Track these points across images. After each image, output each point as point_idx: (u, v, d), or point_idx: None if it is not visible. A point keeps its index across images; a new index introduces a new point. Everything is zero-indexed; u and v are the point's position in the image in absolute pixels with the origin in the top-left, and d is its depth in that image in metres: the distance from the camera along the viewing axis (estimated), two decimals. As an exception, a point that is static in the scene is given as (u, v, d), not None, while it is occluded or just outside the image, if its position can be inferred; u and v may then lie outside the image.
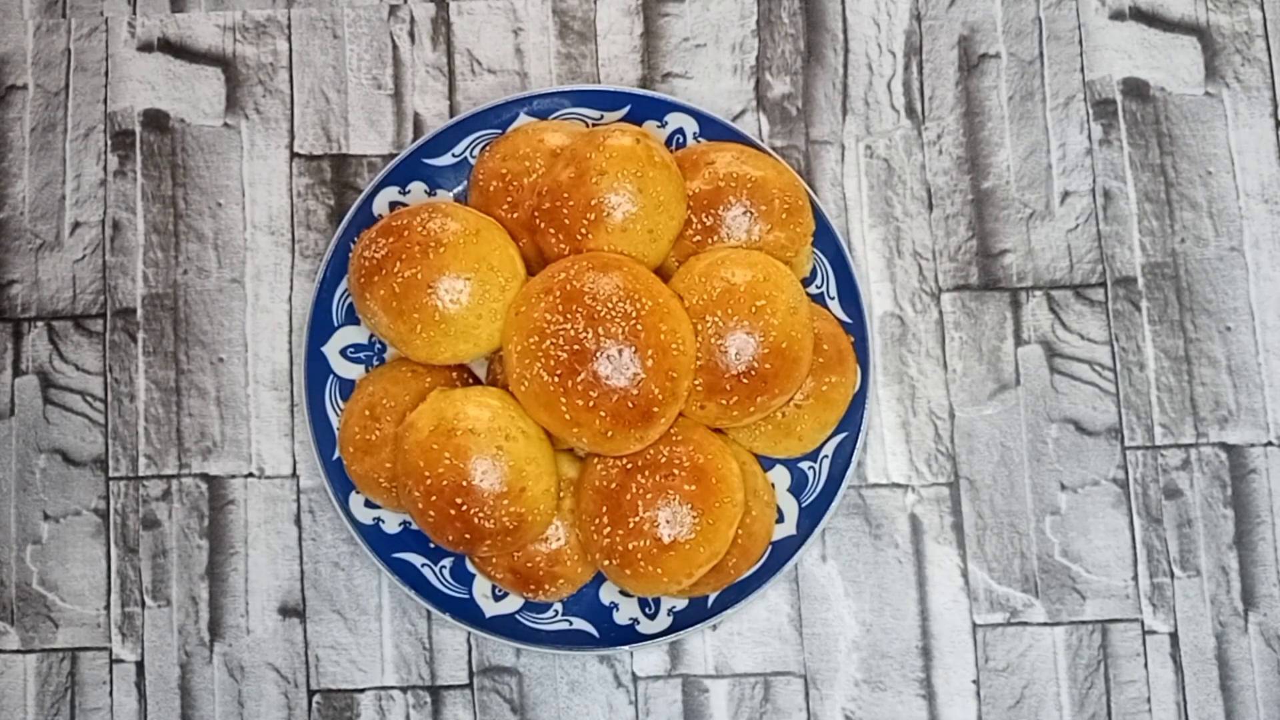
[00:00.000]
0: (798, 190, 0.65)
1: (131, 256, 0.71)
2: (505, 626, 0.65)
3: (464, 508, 0.59)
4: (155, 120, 0.72)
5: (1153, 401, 0.69)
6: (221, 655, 0.67)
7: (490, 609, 0.65)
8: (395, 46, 0.72)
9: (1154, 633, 0.67)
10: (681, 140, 0.68)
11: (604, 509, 0.61)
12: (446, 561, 0.66)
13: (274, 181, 0.71)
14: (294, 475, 0.69)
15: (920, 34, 0.72)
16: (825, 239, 0.66)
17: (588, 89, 0.68)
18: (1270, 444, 0.68)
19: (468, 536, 0.60)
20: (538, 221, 0.63)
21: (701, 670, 0.67)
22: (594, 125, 0.68)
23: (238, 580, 0.68)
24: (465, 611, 0.65)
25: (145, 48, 0.72)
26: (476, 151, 0.68)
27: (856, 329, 0.66)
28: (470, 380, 0.66)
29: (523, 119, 0.68)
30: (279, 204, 0.71)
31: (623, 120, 0.68)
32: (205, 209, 0.71)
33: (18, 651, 0.67)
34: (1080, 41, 0.72)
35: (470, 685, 0.67)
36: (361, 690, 0.67)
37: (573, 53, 0.72)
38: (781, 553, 0.65)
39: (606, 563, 0.61)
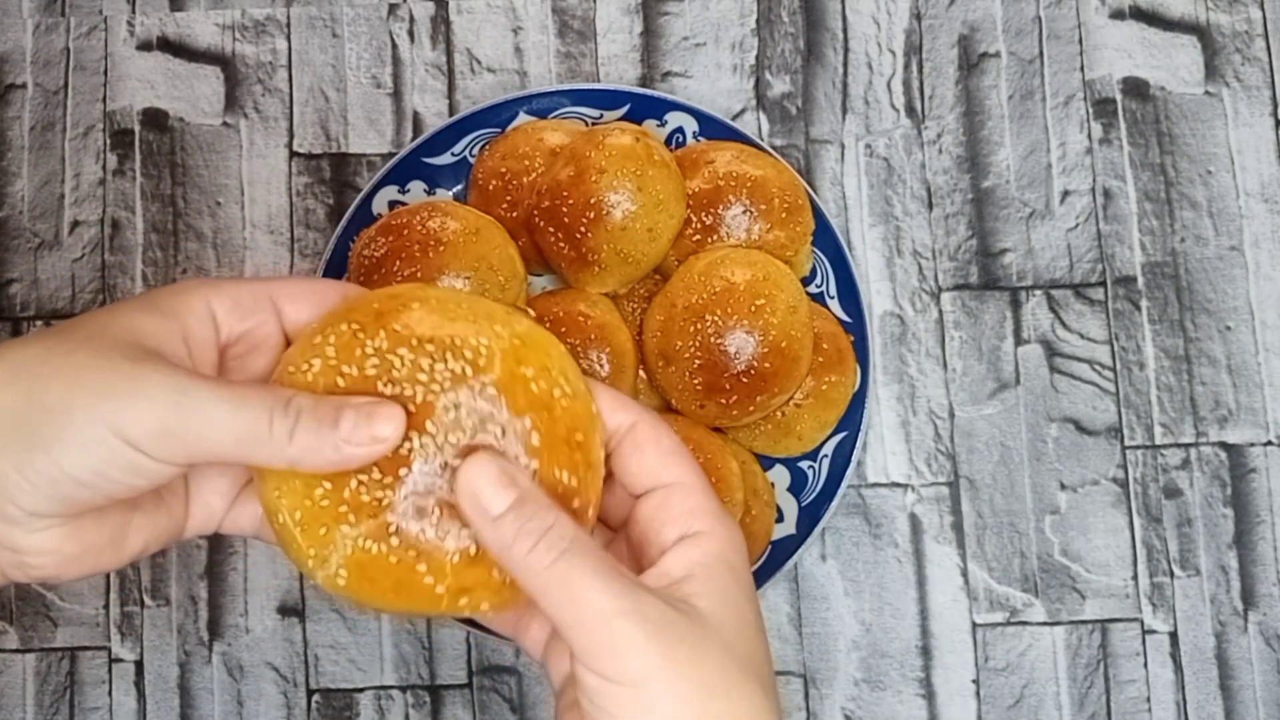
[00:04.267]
0: (797, 189, 0.65)
1: (131, 256, 0.70)
2: (504, 626, 0.65)
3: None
4: (154, 119, 0.72)
5: (1153, 401, 0.69)
6: (221, 655, 0.67)
7: (489, 608, 0.65)
8: (395, 45, 0.72)
9: (1154, 632, 0.67)
10: (681, 139, 0.68)
11: (603, 508, 0.61)
12: (446, 561, 0.65)
13: (273, 180, 0.71)
14: (293, 474, 0.68)
15: (920, 33, 0.72)
16: (825, 238, 0.66)
17: (587, 88, 0.68)
18: (1270, 444, 0.68)
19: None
20: (537, 220, 0.63)
21: (701, 670, 0.67)
22: (593, 124, 0.68)
23: (237, 580, 0.68)
24: (464, 611, 0.65)
25: (144, 47, 0.72)
26: (476, 150, 0.68)
27: (856, 328, 0.66)
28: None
29: (522, 118, 0.68)
30: (278, 203, 0.71)
31: (622, 119, 0.68)
32: (204, 208, 0.71)
33: (17, 651, 0.67)
34: (1080, 41, 0.72)
35: (470, 685, 0.67)
36: (361, 690, 0.67)
37: (572, 51, 0.72)
38: (781, 552, 0.65)
39: (606, 562, 0.61)
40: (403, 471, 0.37)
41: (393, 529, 0.37)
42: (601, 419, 0.40)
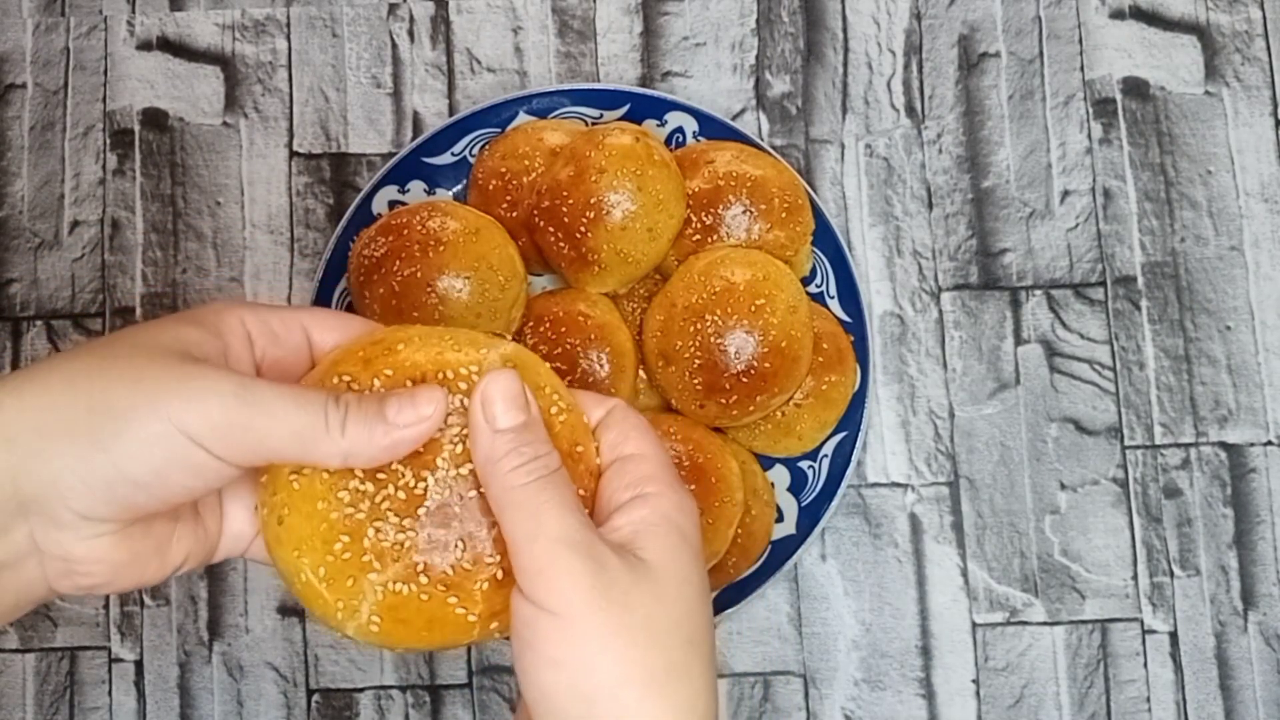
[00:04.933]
0: (797, 189, 0.65)
1: (130, 255, 0.70)
2: (504, 626, 0.65)
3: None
4: (154, 119, 0.72)
5: (1152, 401, 0.69)
6: (220, 654, 0.67)
7: (489, 608, 0.65)
8: (394, 45, 0.72)
9: (1154, 632, 0.67)
10: (681, 139, 0.68)
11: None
12: (446, 561, 0.65)
13: (273, 180, 0.71)
14: (293, 474, 0.68)
15: (920, 33, 0.72)
16: (825, 238, 0.66)
17: (587, 88, 0.68)
18: (1270, 443, 0.68)
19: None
20: (537, 220, 0.63)
21: (701, 669, 0.67)
22: (593, 124, 0.68)
23: (237, 579, 0.68)
24: (464, 611, 0.65)
25: (144, 46, 0.72)
26: (476, 150, 0.68)
27: (856, 328, 0.66)
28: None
29: (522, 118, 0.68)
30: (278, 203, 0.71)
31: (622, 119, 0.68)
32: (204, 208, 0.71)
33: (17, 650, 0.67)
34: (1080, 40, 0.72)
35: (469, 685, 0.67)
36: (361, 690, 0.67)
37: (572, 51, 0.72)
38: (781, 552, 0.65)
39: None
40: (420, 511, 0.38)
41: (420, 568, 0.37)
42: (581, 404, 0.42)
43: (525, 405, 0.38)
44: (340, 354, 0.40)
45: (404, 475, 0.38)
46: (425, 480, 0.38)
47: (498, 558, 0.38)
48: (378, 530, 0.37)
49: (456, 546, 0.38)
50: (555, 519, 0.36)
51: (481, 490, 0.38)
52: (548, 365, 0.41)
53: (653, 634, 0.36)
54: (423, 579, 0.37)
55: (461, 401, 0.38)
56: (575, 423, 0.40)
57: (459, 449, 0.38)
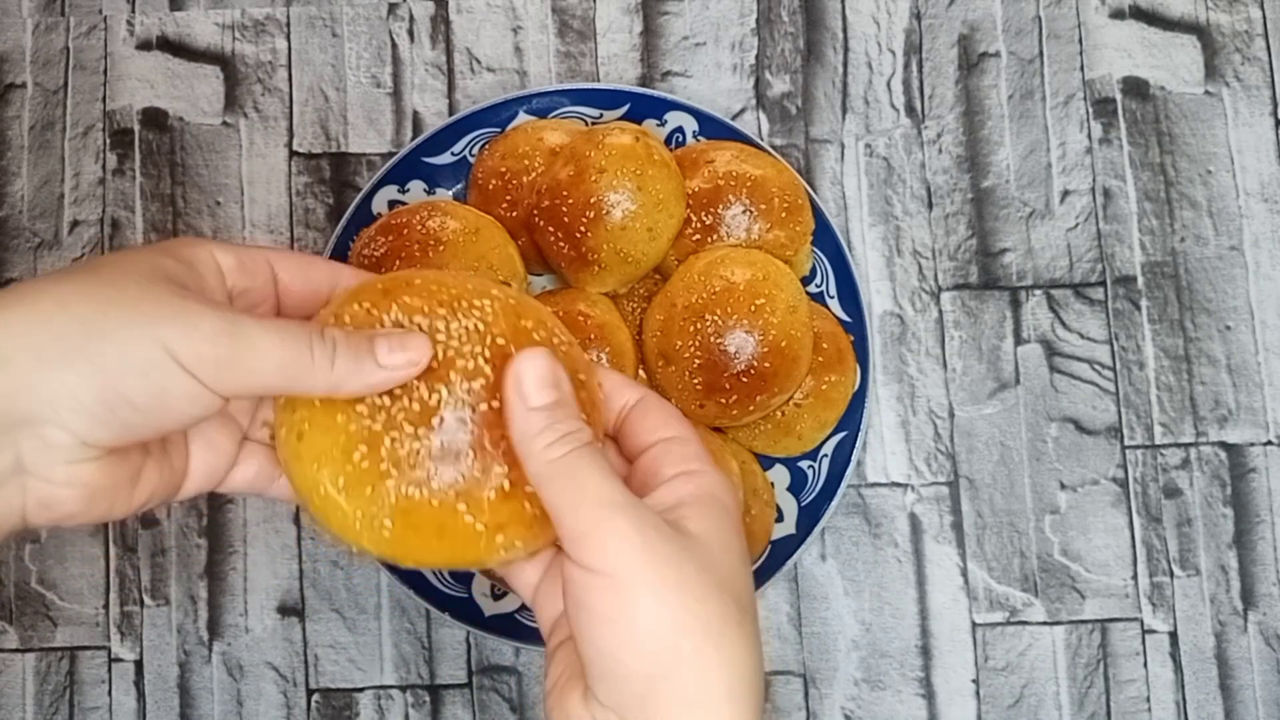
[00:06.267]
0: (797, 189, 0.65)
1: (130, 255, 0.70)
2: (504, 625, 0.65)
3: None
4: (154, 119, 0.72)
5: (1152, 401, 0.69)
6: (220, 654, 0.67)
7: (489, 608, 0.65)
8: (394, 45, 0.72)
9: (1153, 632, 0.67)
10: (681, 139, 0.68)
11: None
12: (445, 560, 0.65)
13: (273, 180, 0.71)
14: (293, 474, 0.68)
15: (920, 32, 0.72)
16: (825, 238, 0.66)
17: (587, 87, 0.68)
18: (1270, 443, 0.68)
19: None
20: (537, 220, 0.63)
21: (701, 669, 0.67)
22: (593, 124, 0.68)
23: (236, 579, 0.68)
24: (464, 611, 0.65)
25: (144, 46, 0.72)
26: (476, 150, 0.68)
27: (856, 328, 0.66)
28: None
29: (522, 117, 0.68)
30: (278, 202, 0.71)
31: (622, 119, 0.68)
32: (204, 207, 0.71)
33: (16, 650, 0.67)
34: (1080, 40, 0.72)
35: (469, 684, 0.67)
36: (360, 689, 0.67)
37: (572, 51, 0.72)
38: (781, 552, 0.65)
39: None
40: (435, 421, 0.40)
41: (432, 473, 0.39)
42: (596, 369, 0.43)
43: (556, 384, 0.39)
44: (361, 286, 0.43)
45: (419, 389, 0.40)
46: (439, 393, 0.40)
47: (505, 468, 0.40)
48: (394, 439, 0.39)
49: (467, 455, 0.39)
50: (596, 484, 0.38)
51: (493, 403, 0.40)
52: (548, 309, 0.44)
53: (704, 589, 0.37)
54: (434, 484, 0.39)
55: (475, 325, 0.41)
56: (577, 355, 0.43)
57: (471, 365, 0.40)
